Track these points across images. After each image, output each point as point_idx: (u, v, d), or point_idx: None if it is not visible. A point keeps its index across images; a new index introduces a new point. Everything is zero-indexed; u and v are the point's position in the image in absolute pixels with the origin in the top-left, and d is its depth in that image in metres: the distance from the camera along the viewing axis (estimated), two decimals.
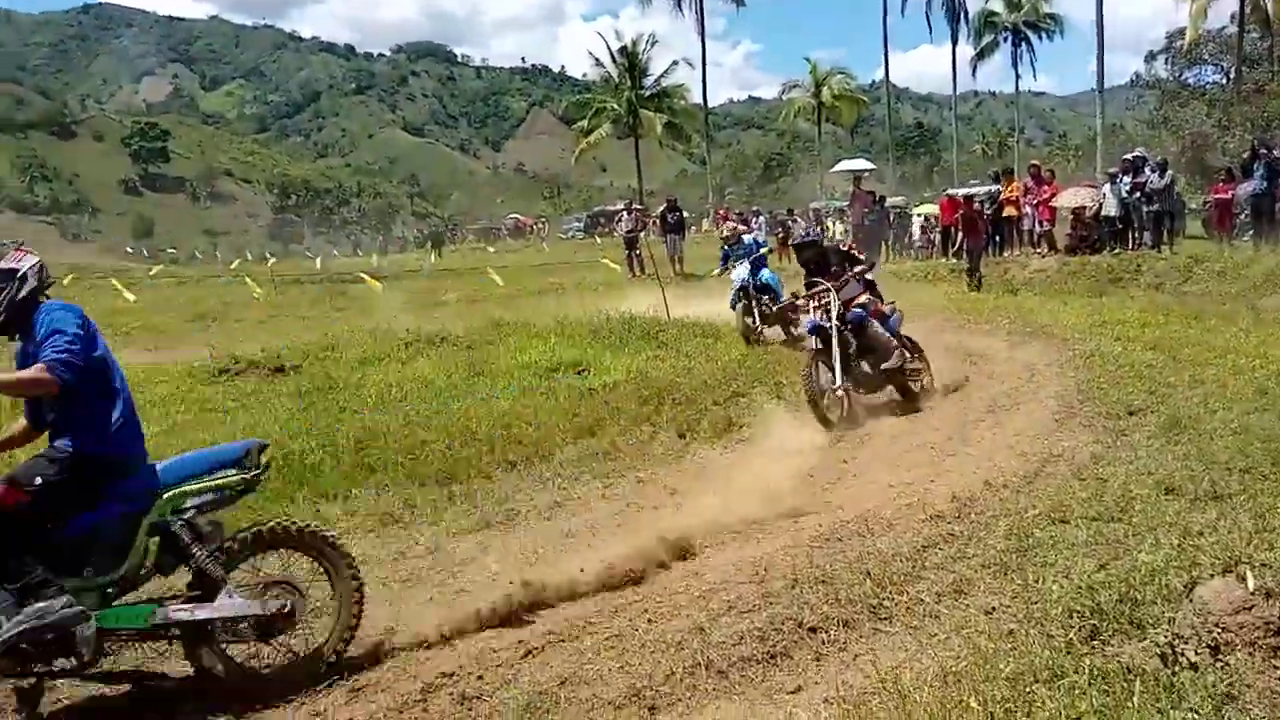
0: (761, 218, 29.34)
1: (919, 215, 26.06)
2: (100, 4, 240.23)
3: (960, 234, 17.86)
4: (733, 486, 5.96)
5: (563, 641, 3.77)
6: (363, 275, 21.98)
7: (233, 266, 27.10)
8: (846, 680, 3.31)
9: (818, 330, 7.98)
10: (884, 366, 7.92)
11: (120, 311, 17.40)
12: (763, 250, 13.35)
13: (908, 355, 8.27)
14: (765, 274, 12.12)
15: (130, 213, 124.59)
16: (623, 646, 3.70)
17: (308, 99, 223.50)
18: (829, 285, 8.11)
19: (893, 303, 8.76)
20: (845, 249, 9.25)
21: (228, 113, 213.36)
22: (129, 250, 63.96)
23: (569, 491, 5.95)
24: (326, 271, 30.80)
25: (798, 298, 8.80)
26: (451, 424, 7.08)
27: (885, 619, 3.80)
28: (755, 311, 11.46)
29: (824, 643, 3.62)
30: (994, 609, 3.77)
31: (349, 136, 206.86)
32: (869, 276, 8.72)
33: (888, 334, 8.09)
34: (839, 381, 7.65)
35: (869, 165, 36.00)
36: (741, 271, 11.78)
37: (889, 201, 25.89)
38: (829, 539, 4.80)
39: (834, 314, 7.92)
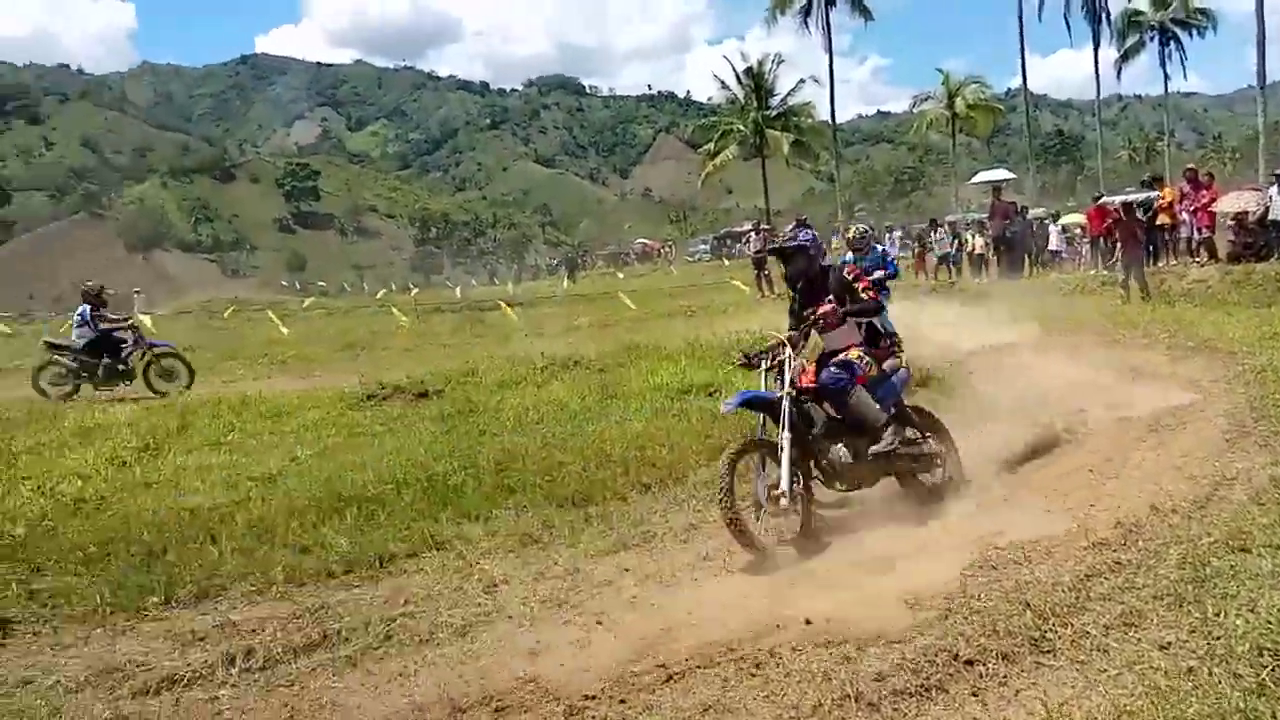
0: (895, 233, 28.62)
1: (1058, 226, 24.93)
2: (256, 55, 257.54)
3: (1117, 244, 16.92)
4: (880, 514, 5.75)
5: (704, 668, 3.69)
6: (500, 303, 22.57)
7: (378, 297, 28.33)
8: (1009, 717, 3.12)
9: (754, 403, 5.66)
10: (873, 450, 5.64)
11: (275, 342, 18.42)
12: (880, 273, 11.08)
13: (913, 433, 6.06)
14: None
15: (284, 249, 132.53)
16: (767, 675, 3.59)
17: (445, 135, 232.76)
18: (786, 338, 5.77)
19: (898, 356, 6.26)
20: (851, 278, 6.20)
21: (372, 151, 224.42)
22: (283, 284, 67.82)
23: (704, 514, 5.86)
24: (465, 300, 31.86)
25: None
26: (587, 446, 7.12)
27: (1048, 652, 3.56)
28: None
29: (981, 676, 3.42)
30: (1170, 644, 3.49)
31: (484, 170, 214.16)
32: (876, 322, 6.22)
33: (878, 405, 5.76)
34: (783, 485, 5.15)
35: (1008, 175, 34.68)
36: None
37: (1031, 213, 24.86)
38: (983, 566, 4.55)
39: (788, 378, 5.55)
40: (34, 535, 5.61)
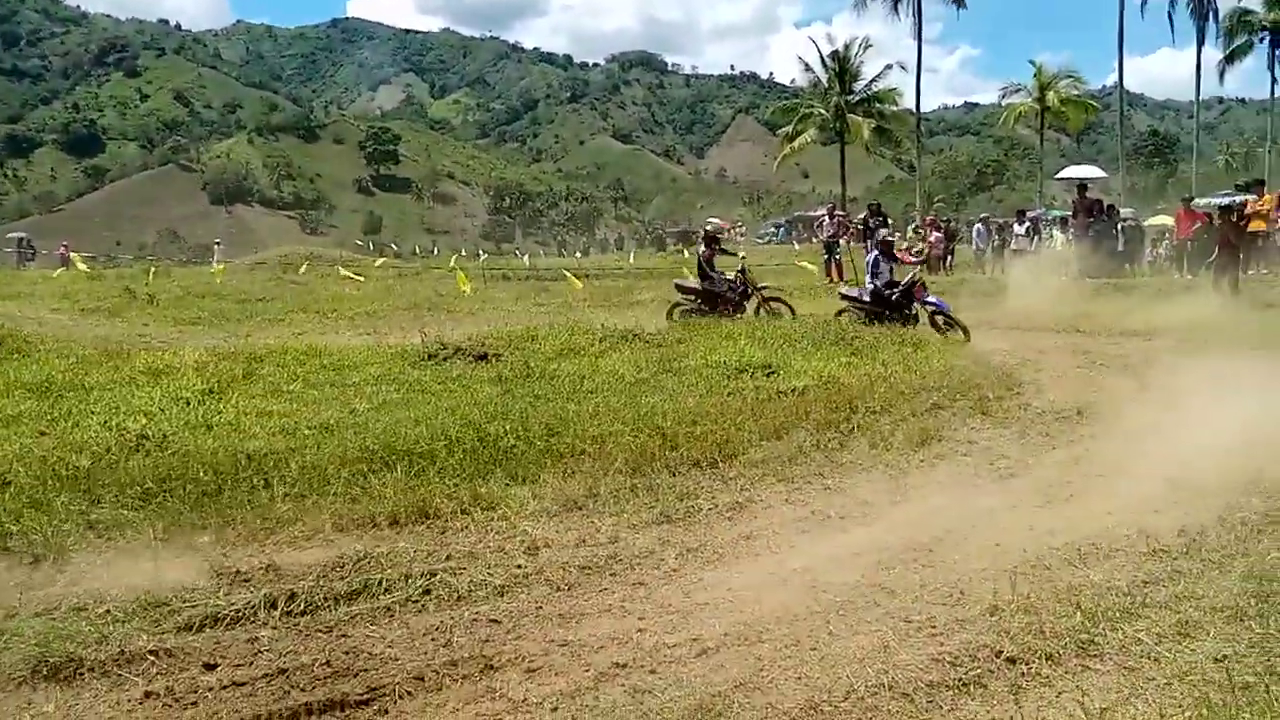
0: (977, 226, 27.96)
1: (1151, 228, 24.10)
2: (347, 18, 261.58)
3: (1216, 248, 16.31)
4: (929, 503, 5.63)
5: (739, 645, 3.65)
6: (565, 271, 22.63)
7: (451, 264, 28.68)
8: (1046, 719, 3.01)
9: None
10: None
11: (346, 298, 18.75)
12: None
13: None
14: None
15: (362, 210, 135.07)
16: (801, 657, 3.53)
17: (526, 107, 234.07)
18: None
19: None
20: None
21: (453, 119, 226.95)
22: (358, 244, 69.03)
23: (752, 493, 5.79)
24: (533, 269, 32.04)
25: None
26: (639, 417, 7.08)
27: (1095, 656, 3.45)
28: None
29: (1023, 675, 3.32)
30: (1226, 657, 3.35)
31: (561, 143, 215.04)
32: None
33: None
34: None
35: (1098, 173, 33.55)
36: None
37: (1123, 213, 24.03)
38: (1035, 565, 4.42)
39: None
40: (97, 468, 5.77)
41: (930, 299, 13.30)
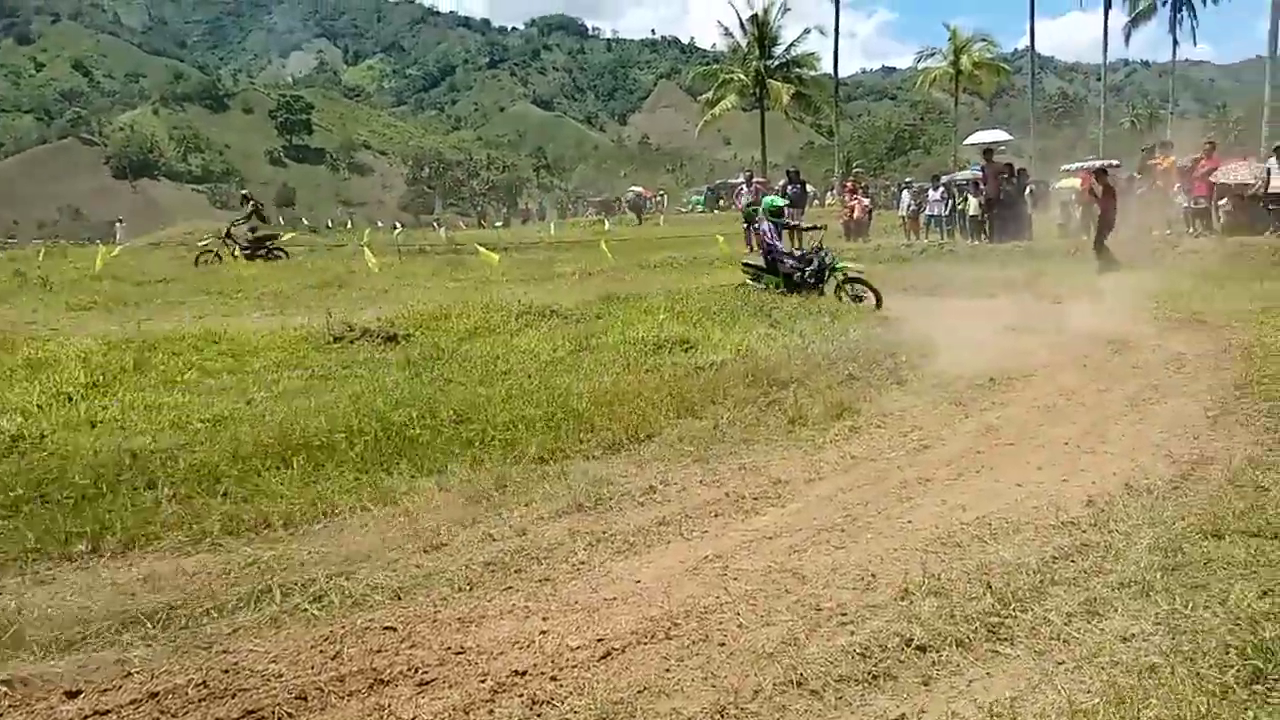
0: (905, 191, 28.16)
1: (1062, 190, 24.62)
2: None
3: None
4: (844, 478, 5.57)
5: (645, 643, 3.50)
6: (478, 246, 22.16)
7: (364, 239, 27.84)
8: (957, 711, 2.94)
9: None
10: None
11: (252, 278, 18.04)
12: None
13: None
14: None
15: (274, 182, 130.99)
16: (709, 654, 3.40)
17: (443, 73, 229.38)
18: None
19: None
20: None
21: (368, 86, 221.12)
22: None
23: (667, 476, 5.65)
24: (449, 242, 31.37)
25: None
26: (553, 400, 6.89)
27: (1005, 640, 3.39)
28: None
29: (934, 664, 3.24)
30: (1133, 636, 3.33)
31: (481, 110, 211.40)
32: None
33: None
34: None
35: (1005, 136, 34.14)
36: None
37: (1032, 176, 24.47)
38: (945, 543, 4.37)
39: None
40: None
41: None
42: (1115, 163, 19.64)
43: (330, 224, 63.64)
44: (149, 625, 3.76)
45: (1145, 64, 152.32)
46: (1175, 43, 46.40)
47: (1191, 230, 18.60)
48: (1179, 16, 45.53)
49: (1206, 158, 18.63)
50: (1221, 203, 18.29)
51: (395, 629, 3.72)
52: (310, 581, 4.13)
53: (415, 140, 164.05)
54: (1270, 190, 16.93)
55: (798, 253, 13.28)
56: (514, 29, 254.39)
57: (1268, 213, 17.06)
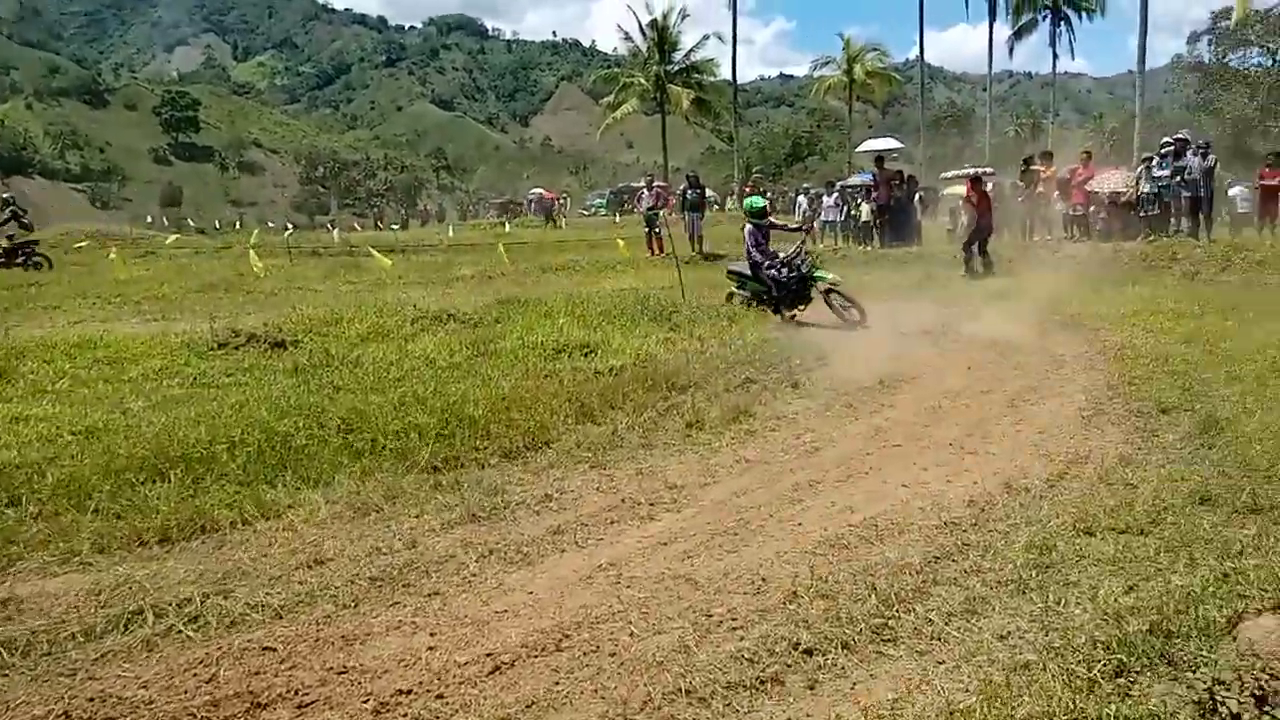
0: (800, 197, 28.71)
1: (951, 197, 25.47)
2: None
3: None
4: (738, 482, 5.63)
5: (535, 656, 3.46)
6: (370, 249, 21.67)
7: (252, 237, 26.87)
8: (841, 715, 2.98)
9: None
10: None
11: (133, 281, 17.25)
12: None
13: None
14: None
15: (159, 181, 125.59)
16: (600, 665, 3.38)
17: (339, 71, 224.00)
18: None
19: None
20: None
21: (259, 83, 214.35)
22: (149, 219, 63.73)
23: (564, 483, 5.61)
24: (344, 244, 30.59)
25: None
26: (447, 407, 6.75)
27: (889, 641, 3.46)
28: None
29: (820, 667, 3.29)
30: (1010, 634, 3.44)
31: (378, 109, 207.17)
32: None
33: None
34: None
35: (896, 144, 35.18)
36: None
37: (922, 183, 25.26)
38: (834, 545, 4.45)
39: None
40: None
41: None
42: (989, 170, 20.40)
43: (218, 224, 61.29)
44: (6, 653, 3.54)
45: (1029, 75, 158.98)
46: (1055, 56, 48.50)
47: (1069, 236, 19.47)
48: (1058, 31, 47.59)
49: (1083, 167, 19.54)
50: (1093, 210, 19.20)
51: (275, 649, 3.58)
52: (186, 601, 3.96)
53: (309, 139, 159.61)
54: (1140, 197, 17.88)
55: (782, 256, 11.61)
56: (412, 28, 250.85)
57: (1139, 219, 18.00)
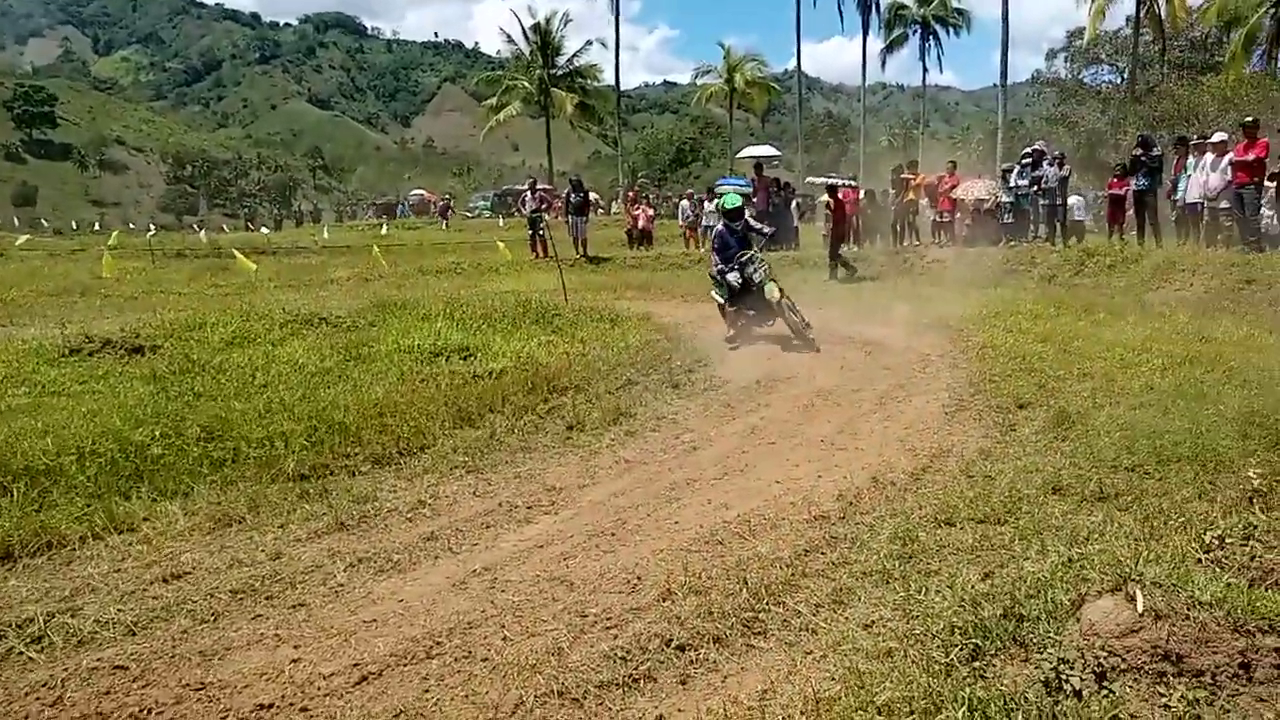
0: (683, 202, 28.98)
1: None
2: None
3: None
4: (617, 483, 5.63)
5: (405, 665, 3.37)
6: (235, 251, 20.84)
7: (110, 239, 25.42)
8: (712, 708, 3.00)
9: None
10: None
11: None
12: None
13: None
14: None
15: (12, 180, 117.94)
16: (472, 670, 3.32)
17: (208, 67, 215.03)
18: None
19: None
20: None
21: (121, 79, 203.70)
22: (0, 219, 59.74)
23: (439, 489, 5.50)
24: (212, 245, 29.35)
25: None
26: (316, 413, 6.54)
27: (760, 634, 3.52)
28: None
29: (692, 663, 3.31)
30: (874, 623, 3.53)
31: (251, 107, 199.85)
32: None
33: None
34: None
35: (773, 151, 36.04)
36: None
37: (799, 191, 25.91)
38: (709, 541, 4.50)
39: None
40: None
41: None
42: (849, 179, 21.17)
43: (76, 225, 57.88)
44: None
45: (901, 87, 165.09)
46: (925, 69, 50.73)
47: (937, 241, 20.27)
48: (927, 45, 49.75)
49: (949, 175, 20.39)
50: (959, 217, 20.07)
51: (127, 668, 3.40)
52: (27, 621, 3.72)
53: (176, 137, 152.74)
54: (1000, 206, 18.79)
55: (743, 257, 10.22)
56: (286, 25, 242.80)
57: (1000, 226, 18.89)
